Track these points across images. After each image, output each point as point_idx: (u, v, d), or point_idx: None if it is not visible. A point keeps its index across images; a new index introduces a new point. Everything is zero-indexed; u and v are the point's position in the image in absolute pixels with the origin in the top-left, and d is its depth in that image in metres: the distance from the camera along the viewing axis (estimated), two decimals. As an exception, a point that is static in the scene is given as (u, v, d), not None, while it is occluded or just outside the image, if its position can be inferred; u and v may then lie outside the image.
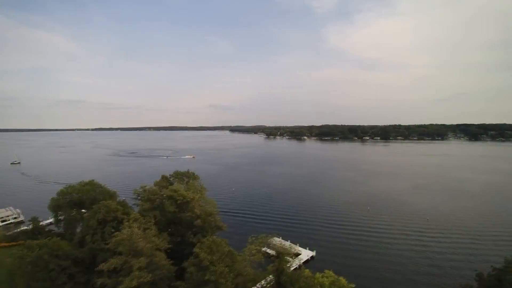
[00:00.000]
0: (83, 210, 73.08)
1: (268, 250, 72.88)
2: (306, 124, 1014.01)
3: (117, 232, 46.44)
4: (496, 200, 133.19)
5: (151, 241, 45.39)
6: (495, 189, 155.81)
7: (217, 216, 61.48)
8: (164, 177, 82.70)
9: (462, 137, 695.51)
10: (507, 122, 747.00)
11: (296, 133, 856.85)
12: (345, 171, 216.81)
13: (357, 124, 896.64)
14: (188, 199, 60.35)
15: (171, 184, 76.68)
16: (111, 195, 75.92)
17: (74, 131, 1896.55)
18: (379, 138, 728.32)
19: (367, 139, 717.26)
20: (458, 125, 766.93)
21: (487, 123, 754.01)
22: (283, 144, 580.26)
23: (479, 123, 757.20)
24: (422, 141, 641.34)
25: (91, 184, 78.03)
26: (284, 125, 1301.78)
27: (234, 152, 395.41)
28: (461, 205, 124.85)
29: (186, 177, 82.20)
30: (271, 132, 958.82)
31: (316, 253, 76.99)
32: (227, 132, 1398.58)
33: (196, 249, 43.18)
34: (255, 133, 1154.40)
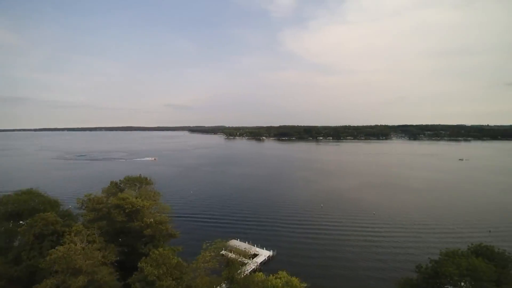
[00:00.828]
0: (21, 222, 64.06)
1: (226, 254, 70.83)
2: (265, 125, 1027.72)
3: (52, 250, 40.87)
4: (434, 195, 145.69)
5: (92, 257, 40.53)
6: (433, 185, 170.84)
7: (169, 223, 57.67)
8: (113, 184, 76.05)
9: (403, 136, 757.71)
10: (441, 123, 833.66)
11: (255, 133, 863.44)
12: (301, 171, 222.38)
13: (312, 125, 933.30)
14: (138, 207, 55.73)
15: (122, 190, 70.73)
16: (53, 205, 67.49)
17: (15, 132, 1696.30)
18: (331, 138, 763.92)
19: (321, 139, 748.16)
20: (399, 126, 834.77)
21: (424, 124, 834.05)
22: (242, 144, 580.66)
23: (417, 124, 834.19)
24: (369, 140, 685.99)
25: (30, 193, 68.54)
26: (244, 125, 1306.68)
27: (194, 153, 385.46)
28: (403, 200, 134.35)
29: (138, 182, 76.37)
30: (231, 132, 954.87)
31: (275, 252, 76.62)
32: (186, 133, 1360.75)
33: (141, 264, 39.55)
34: (215, 133, 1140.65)
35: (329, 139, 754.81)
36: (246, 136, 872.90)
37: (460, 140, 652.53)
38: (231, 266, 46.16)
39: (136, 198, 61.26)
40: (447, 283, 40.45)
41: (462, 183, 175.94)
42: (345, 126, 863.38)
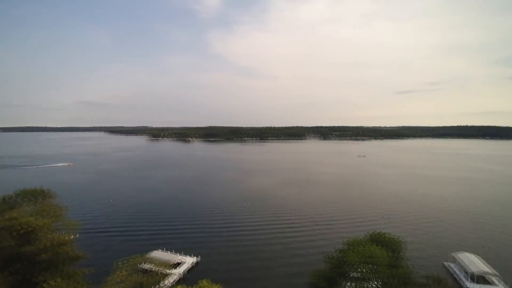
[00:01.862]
0: None
1: (147, 266, 65.11)
2: (192, 126, 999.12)
3: None
4: (340, 188, 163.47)
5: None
6: (339, 179, 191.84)
7: (75, 242, 49.66)
8: (3, 199, 62.02)
9: (317, 136, 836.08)
10: (346, 125, 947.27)
11: (182, 134, 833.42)
12: (228, 171, 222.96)
13: (239, 126, 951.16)
14: (34, 227, 46.29)
15: (13, 207, 58.01)
16: None
17: None
18: (257, 138, 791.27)
19: (247, 140, 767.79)
20: (313, 127, 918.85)
21: (333, 125, 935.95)
22: (168, 146, 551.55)
23: (328, 125, 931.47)
24: (289, 140, 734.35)
25: None
26: (170, 126, 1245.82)
27: (113, 156, 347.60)
28: (316, 194, 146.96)
29: (36, 196, 63.85)
30: (155, 133, 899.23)
31: (200, 258, 73.69)
32: (104, 134, 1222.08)
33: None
34: (138, 134, 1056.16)
35: (254, 139, 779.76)
36: (173, 137, 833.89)
37: (361, 139, 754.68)
38: (144, 282, 42.12)
39: (32, 216, 50.95)
40: (350, 271, 44.85)
41: (361, 176, 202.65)
42: (268, 127, 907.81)
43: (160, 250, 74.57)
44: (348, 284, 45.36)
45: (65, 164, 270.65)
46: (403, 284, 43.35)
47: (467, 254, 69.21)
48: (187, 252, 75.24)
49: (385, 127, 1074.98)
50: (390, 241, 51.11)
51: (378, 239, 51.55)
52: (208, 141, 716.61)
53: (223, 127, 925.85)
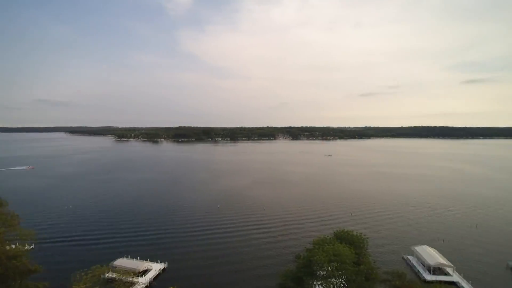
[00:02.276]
0: None
1: (111, 276, 61.38)
2: (162, 126, 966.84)
3: None
4: (309, 187, 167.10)
5: None
6: (309, 178, 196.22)
7: (29, 254, 45.22)
8: None
9: (287, 136, 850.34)
10: (315, 125, 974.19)
11: (152, 135, 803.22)
12: (200, 172, 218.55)
13: (211, 126, 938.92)
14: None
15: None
16: None
17: None
18: (228, 139, 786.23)
19: (219, 140, 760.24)
20: (284, 128, 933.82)
21: (303, 126, 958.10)
22: (135, 147, 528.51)
23: (298, 126, 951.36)
24: (261, 141, 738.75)
25: None
26: (139, 126, 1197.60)
27: (76, 159, 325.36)
28: (286, 193, 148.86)
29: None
30: (122, 134, 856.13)
31: (168, 264, 70.75)
32: (65, 134, 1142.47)
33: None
34: (104, 135, 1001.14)
35: (226, 140, 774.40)
36: (141, 138, 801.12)
37: (328, 139, 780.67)
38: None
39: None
40: (318, 270, 45.56)
41: (328, 175, 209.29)
42: (240, 128, 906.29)
43: (125, 257, 70.54)
44: (315, 282, 46.15)
45: (24, 167, 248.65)
46: (366, 280, 45.03)
47: (425, 247, 73.84)
48: (154, 259, 72.05)
49: (350, 127, 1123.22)
50: (355, 238, 52.82)
51: (344, 237, 53.08)
52: (179, 141, 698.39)
53: (194, 127, 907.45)
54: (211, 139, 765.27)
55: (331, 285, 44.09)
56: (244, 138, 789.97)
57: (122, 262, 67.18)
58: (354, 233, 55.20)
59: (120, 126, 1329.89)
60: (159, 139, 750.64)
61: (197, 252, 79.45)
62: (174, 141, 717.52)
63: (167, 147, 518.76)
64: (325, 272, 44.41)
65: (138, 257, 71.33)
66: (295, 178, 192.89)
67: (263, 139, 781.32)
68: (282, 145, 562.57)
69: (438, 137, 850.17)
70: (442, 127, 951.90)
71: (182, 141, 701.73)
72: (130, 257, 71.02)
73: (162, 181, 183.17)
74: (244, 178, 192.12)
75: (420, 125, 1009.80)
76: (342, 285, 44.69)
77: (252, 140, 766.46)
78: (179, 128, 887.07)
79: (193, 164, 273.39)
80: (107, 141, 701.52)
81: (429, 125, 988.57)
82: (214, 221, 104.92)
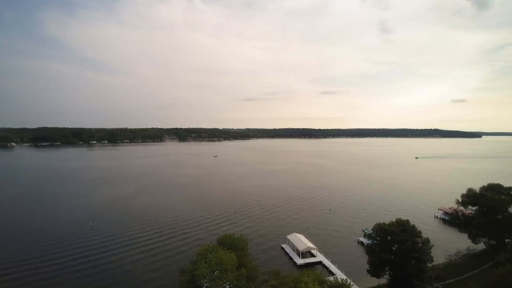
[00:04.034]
0: None
1: None
2: (15, 127, 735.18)
3: None
4: (199, 189, 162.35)
5: None
6: (197, 180, 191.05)
7: None
8: None
9: (175, 138, 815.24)
10: (203, 127, 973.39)
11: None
12: (66, 184, 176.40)
13: (84, 127, 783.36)
14: None
15: None
16: None
17: None
18: (106, 141, 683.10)
19: (95, 143, 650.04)
20: (172, 129, 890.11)
21: (191, 127, 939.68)
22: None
23: (186, 127, 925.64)
24: (145, 143, 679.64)
25: None
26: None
27: None
28: (173, 199, 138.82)
29: None
30: None
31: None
32: None
33: None
34: None
35: (104, 142, 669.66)
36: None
37: (215, 140, 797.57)
38: None
39: None
40: (203, 284, 42.28)
41: (215, 175, 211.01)
42: (122, 129, 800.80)
43: None
44: (200, 296, 42.79)
45: None
46: (248, 281, 45.20)
47: (295, 235, 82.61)
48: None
49: (234, 129, 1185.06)
50: (236, 241, 52.42)
51: (227, 242, 51.87)
52: (40, 146, 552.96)
53: (62, 128, 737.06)
54: (85, 142, 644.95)
55: (216, 296, 41.74)
56: (126, 141, 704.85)
57: None
58: (236, 235, 55.00)
59: None
60: (9, 144, 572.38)
61: (66, 280, 62.51)
62: (31, 145, 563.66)
63: (21, 155, 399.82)
64: (209, 284, 41.70)
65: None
66: (183, 182, 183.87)
67: (148, 141, 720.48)
68: (170, 148, 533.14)
69: (304, 137, 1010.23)
70: (306, 128, 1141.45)
71: (44, 146, 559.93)
72: None
73: (12, 199, 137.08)
74: (125, 186, 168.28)
75: (291, 127, 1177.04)
76: (227, 293, 43.12)
77: (136, 142, 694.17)
78: (40, 129, 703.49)
79: (57, 174, 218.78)
80: None
81: (298, 127, 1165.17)
82: (85, 242, 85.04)
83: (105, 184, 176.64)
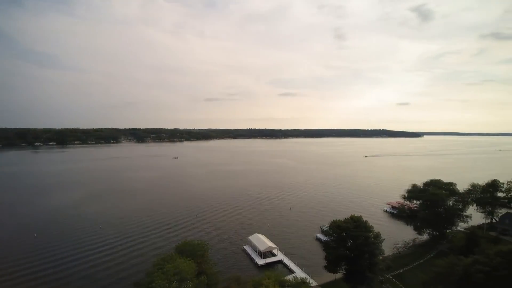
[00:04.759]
0: None
1: None
2: None
3: None
4: (157, 193, 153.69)
5: None
6: (155, 183, 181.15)
7: None
8: None
9: (132, 139, 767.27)
10: (162, 127, 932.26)
11: None
12: (7, 191, 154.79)
13: (28, 127, 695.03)
14: None
15: None
16: None
17: None
18: (54, 143, 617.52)
19: (41, 145, 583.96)
20: (128, 129, 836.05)
21: (150, 127, 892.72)
22: None
23: (144, 127, 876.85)
24: (99, 144, 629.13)
25: None
26: None
27: None
28: (129, 204, 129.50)
29: None
30: None
31: None
32: None
33: None
34: None
35: (51, 144, 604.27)
36: None
37: (176, 141, 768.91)
38: None
39: None
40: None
41: (175, 177, 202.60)
42: (72, 129, 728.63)
43: None
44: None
45: None
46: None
47: (256, 235, 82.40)
48: None
49: (195, 129, 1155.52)
50: (196, 247, 50.22)
51: (186, 249, 49.37)
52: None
53: (4, 128, 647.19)
54: (29, 144, 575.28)
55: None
56: (77, 142, 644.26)
57: None
58: (196, 241, 52.67)
59: None
60: None
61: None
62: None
63: None
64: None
65: None
66: (140, 185, 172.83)
67: (102, 143, 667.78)
68: (126, 149, 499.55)
69: (266, 137, 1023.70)
70: (267, 129, 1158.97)
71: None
72: None
73: None
74: (75, 193, 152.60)
75: (252, 128, 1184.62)
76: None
77: (88, 144, 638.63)
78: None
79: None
80: None
81: (259, 128, 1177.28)
82: (27, 256, 74.99)
83: (51, 190, 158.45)
